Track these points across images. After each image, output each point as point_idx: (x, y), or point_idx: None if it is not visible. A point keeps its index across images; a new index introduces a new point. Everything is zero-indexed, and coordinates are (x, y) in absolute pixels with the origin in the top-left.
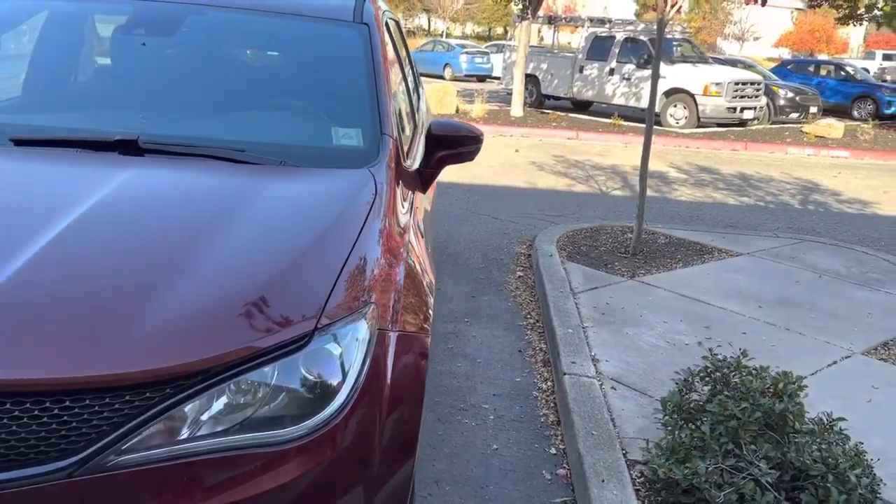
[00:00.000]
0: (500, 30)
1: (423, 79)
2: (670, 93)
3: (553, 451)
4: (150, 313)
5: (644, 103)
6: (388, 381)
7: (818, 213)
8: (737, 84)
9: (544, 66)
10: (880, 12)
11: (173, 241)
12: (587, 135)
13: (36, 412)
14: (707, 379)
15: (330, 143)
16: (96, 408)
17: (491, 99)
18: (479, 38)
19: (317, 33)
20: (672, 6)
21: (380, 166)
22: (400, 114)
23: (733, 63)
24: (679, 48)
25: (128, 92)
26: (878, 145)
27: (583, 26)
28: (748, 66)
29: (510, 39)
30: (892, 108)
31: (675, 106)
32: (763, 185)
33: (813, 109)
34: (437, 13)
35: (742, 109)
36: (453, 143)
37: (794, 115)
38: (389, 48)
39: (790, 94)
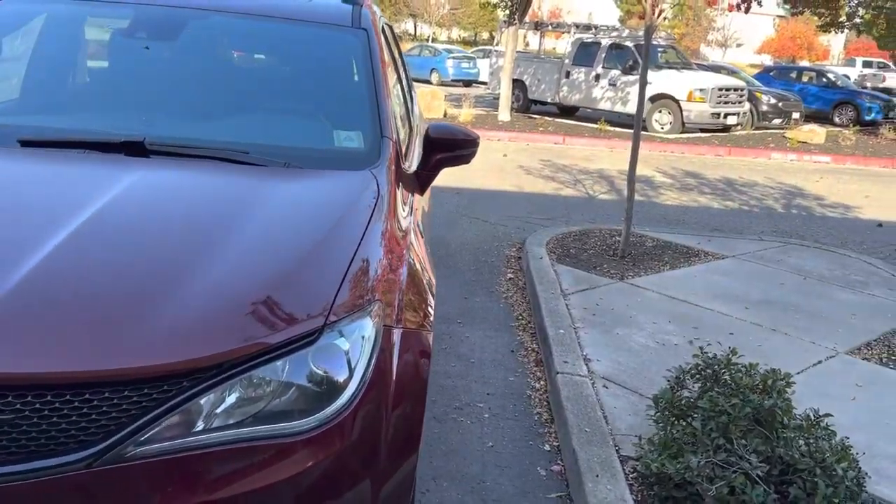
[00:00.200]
0: (485, 35)
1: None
2: (655, 98)
3: (547, 447)
4: (167, 310)
5: (630, 108)
6: (394, 376)
7: (802, 216)
8: (720, 90)
9: (531, 71)
10: (861, 20)
11: (187, 240)
12: (574, 139)
13: (57, 404)
14: (698, 376)
15: (332, 146)
16: (115, 400)
17: (478, 104)
18: (465, 43)
19: (317, 38)
20: (658, 14)
21: (381, 168)
22: (397, 117)
23: (717, 69)
24: (664, 54)
25: (132, 95)
26: (860, 151)
27: (568, 32)
28: (732, 73)
29: (496, 45)
30: (873, 115)
31: (660, 111)
32: (747, 190)
33: (795, 115)
34: (424, 18)
35: (726, 115)
36: (450, 146)
37: (777, 121)
38: (386, 52)
39: (773, 100)
